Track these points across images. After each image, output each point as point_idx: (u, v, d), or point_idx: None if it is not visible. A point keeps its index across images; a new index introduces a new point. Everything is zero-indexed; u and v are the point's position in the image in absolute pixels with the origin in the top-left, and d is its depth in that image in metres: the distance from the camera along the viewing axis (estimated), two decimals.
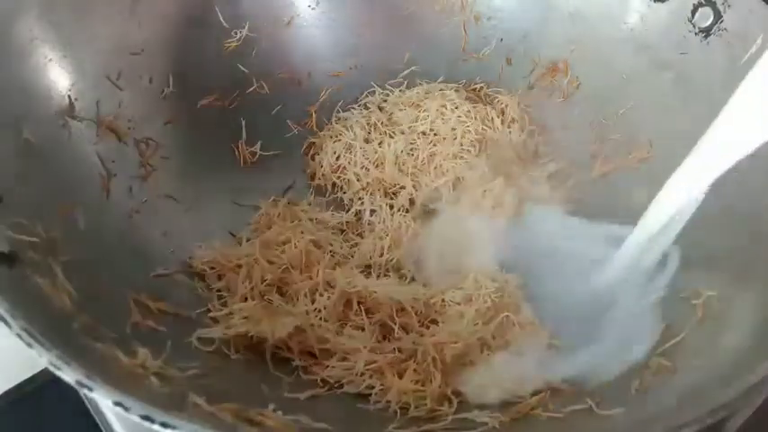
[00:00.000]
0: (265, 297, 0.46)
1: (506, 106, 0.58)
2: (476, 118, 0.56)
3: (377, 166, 0.55)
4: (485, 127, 0.56)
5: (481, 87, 0.59)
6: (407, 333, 0.46)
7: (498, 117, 0.57)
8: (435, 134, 0.56)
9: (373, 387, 0.42)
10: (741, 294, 0.40)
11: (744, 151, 0.38)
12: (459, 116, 0.56)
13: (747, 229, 0.43)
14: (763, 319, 0.37)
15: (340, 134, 0.57)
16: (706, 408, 0.30)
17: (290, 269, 0.48)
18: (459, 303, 0.46)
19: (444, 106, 0.57)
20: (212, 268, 0.47)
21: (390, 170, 0.54)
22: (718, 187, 0.44)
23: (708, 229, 0.45)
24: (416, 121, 0.56)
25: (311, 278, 0.47)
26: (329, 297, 0.46)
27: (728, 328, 0.38)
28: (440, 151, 0.55)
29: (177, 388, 0.34)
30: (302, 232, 0.50)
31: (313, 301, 0.46)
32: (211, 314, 0.45)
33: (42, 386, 0.46)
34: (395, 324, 0.46)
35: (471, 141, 0.55)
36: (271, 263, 0.48)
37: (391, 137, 0.56)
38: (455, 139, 0.55)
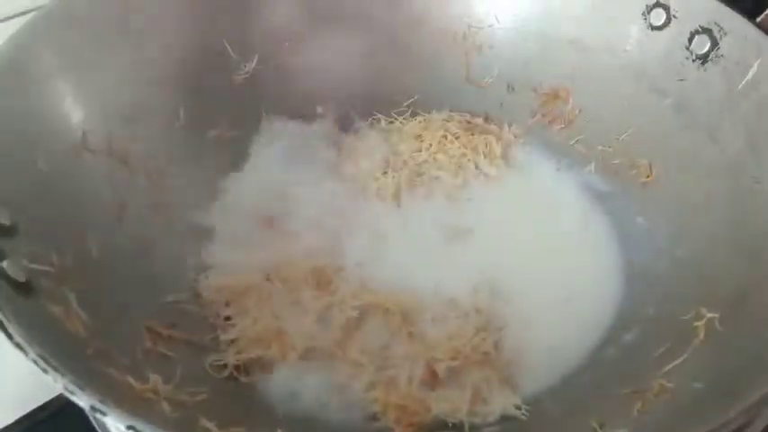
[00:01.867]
0: (275, 319, 0.46)
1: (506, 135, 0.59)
2: (475, 149, 0.58)
3: None
4: (485, 157, 0.57)
5: (483, 116, 0.60)
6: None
7: (498, 146, 0.58)
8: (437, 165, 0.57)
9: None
10: (742, 316, 0.40)
11: None
12: (459, 147, 0.58)
13: (748, 252, 0.43)
14: (763, 341, 0.37)
15: None
16: (706, 428, 0.30)
17: (301, 288, 0.48)
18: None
19: (445, 137, 0.58)
20: (221, 294, 0.48)
21: None
22: (720, 211, 0.46)
23: (709, 250, 0.46)
24: (419, 152, 0.58)
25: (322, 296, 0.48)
26: (341, 310, 0.46)
27: (729, 349, 0.39)
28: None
29: (188, 413, 0.35)
30: None
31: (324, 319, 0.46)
32: (221, 338, 0.45)
33: (53, 414, 0.47)
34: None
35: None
36: (282, 283, 0.48)
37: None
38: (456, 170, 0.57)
